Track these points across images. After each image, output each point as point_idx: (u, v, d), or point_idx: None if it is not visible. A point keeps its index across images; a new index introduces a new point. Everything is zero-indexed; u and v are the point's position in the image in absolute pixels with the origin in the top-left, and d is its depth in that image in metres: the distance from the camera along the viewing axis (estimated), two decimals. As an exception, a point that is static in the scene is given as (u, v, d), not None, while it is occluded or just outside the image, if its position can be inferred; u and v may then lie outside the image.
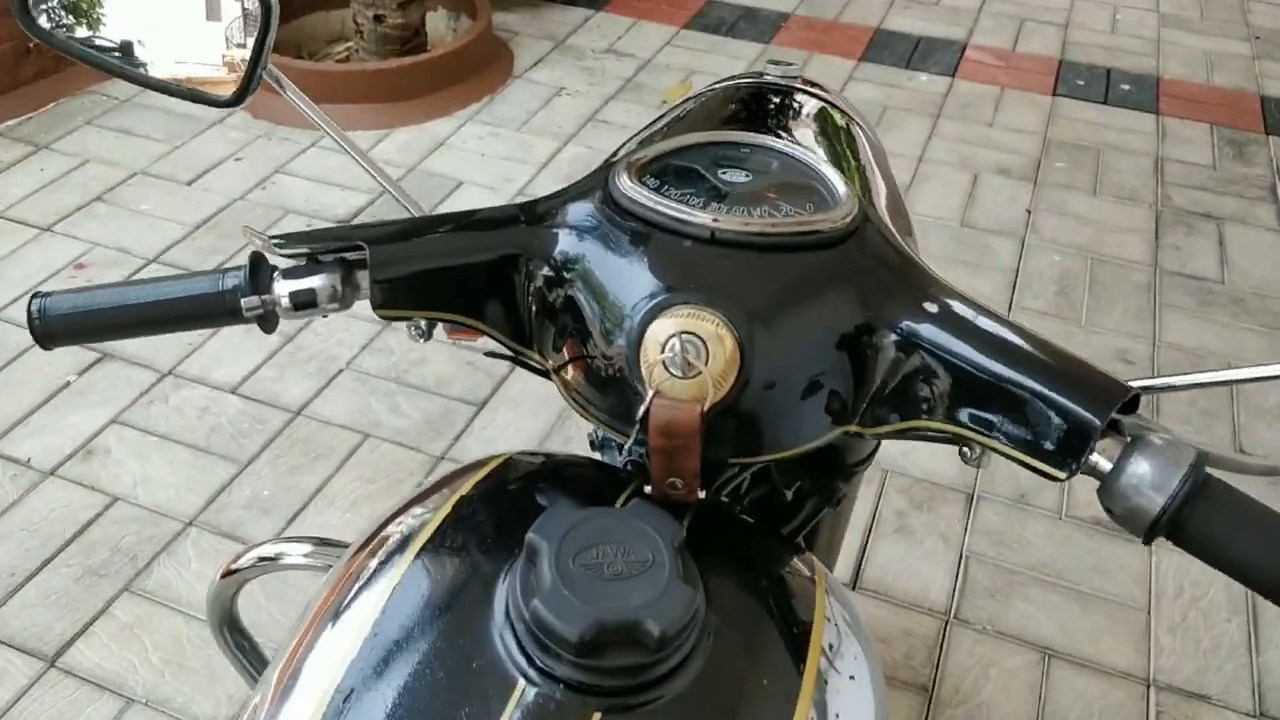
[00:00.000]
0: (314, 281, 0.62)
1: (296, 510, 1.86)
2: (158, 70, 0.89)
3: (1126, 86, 3.47)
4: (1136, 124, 3.27)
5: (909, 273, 0.58)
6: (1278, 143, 3.23)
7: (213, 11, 0.88)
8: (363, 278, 0.62)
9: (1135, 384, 0.55)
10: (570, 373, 0.59)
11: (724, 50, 3.55)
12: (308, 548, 0.81)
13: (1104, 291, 2.55)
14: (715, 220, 0.56)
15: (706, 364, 0.52)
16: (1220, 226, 2.83)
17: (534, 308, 0.61)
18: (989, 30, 3.80)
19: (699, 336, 0.52)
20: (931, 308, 0.56)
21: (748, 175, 0.61)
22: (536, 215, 0.61)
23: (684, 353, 0.52)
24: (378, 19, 3.10)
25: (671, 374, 0.52)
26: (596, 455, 0.83)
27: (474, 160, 2.89)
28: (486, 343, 0.64)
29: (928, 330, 0.55)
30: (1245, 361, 2.35)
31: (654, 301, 0.54)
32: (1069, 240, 2.72)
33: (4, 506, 1.83)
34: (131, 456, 1.94)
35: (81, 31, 0.81)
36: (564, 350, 0.59)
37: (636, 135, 0.75)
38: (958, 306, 0.56)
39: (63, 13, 0.90)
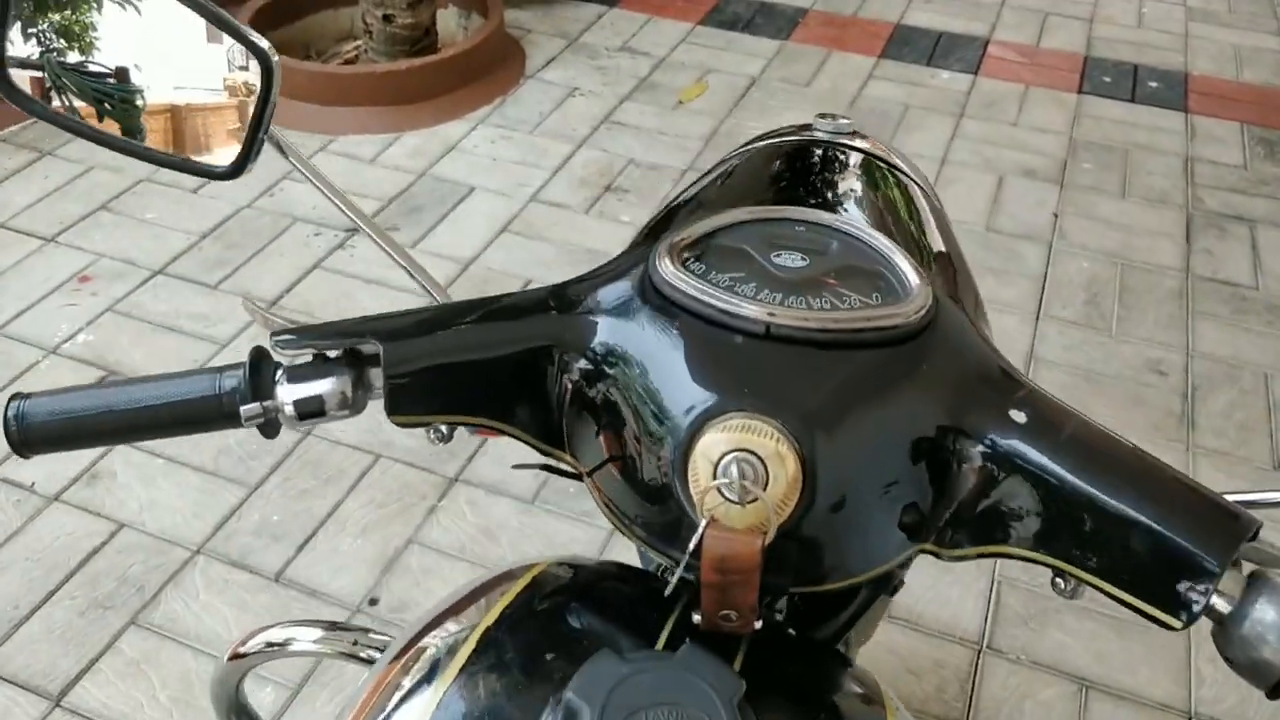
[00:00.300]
0: (322, 386, 0.55)
1: (307, 536, 1.81)
2: (154, 96, 0.84)
3: (1154, 84, 3.39)
4: (1165, 123, 3.18)
5: (992, 373, 0.52)
6: (1310, 141, 3.15)
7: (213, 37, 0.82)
8: (376, 376, 0.56)
9: (1235, 497, 0.48)
10: (605, 482, 0.53)
11: (740, 47, 3.48)
12: (318, 633, 0.75)
13: (1134, 299, 2.48)
14: (770, 314, 0.49)
15: (766, 488, 0.45)
16: (1253, 230, 2.75)
17: (566, 405, 0.54)
18: (1011, 25, 3.71)
19: (757, 455, 0.45)
20: (1019, 417, 0.49)
21: (804, 258, 0.54)
22: (569, 301, 0.55)
23: (740, 476, 0.45)
24: (387, 19, 3.03)
25: (727, 499, 0.46)
26: (631, 548, 0.77)
27: (485, 165, 2.82)
28: (513, 445, 0.57)
29: (1015, 444, 0.48)
30: (1282, 372, 2.29)
31: (703, 408, 0.47)
32: (1098, 245, 2.65)
33: (7, 534, 1.79)
34: (137, 480, 1.89)
35: (71, 97, 0.75)
36: (599, 456, 0.53)
37: (675, 199, 0.68)
38: (1050, 416, 0.49)
39: (54, 37, 0.85)
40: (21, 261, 2.39)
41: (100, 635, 1.64)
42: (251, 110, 0.66)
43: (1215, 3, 3.97)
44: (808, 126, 0.73)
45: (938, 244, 0.64)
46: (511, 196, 2.71)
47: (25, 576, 1.72)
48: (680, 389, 0.49)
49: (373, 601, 1.70)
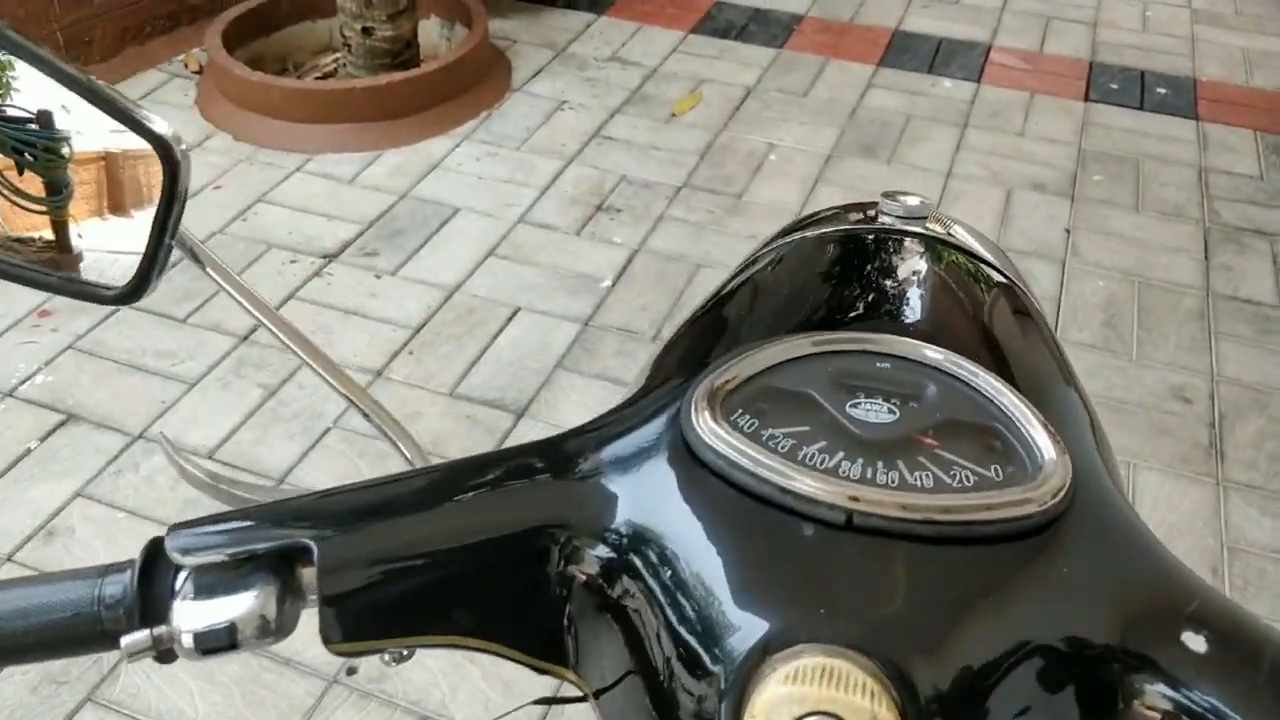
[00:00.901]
0: (234, 607, 0.39)
1: (280, 597, 1.67)
2: (84, 142, 0.70)
3: (1163, 90, 3.27)
4: (1176, 131, 3.07)
5: (1153, 575, 0.38)
6: (1326, 149, 3.04)
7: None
8: (310, 576, 0.40)
9: None
10: (620, 713, 0.39)
11: (734, 56, 3.35)
12: None
13: (1154, 321, 2.36)
14: (852, 498, 0.35)
15: None
16: (1273, 244, 2.63)
17: (570, 606, 0.40)
18: (1013, 30, 3.59)
19: None
20: (1196, 643, 0.35)
21: (890, 409, 0.40)
22: (566, 461, 0.40)
23: None
24: (366, 31, 2.89)
25: None
26: None
27: (471, 184, 2.69)
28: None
29: (1192, 684, 0.34)
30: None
31: (761, 636, 0.34)
32: (1113, 263, 2.53)
33: (-47, 601, 1.65)
34: (97, 536, 1.75)
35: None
36: (613, 676, 0.39)
37: (704, 306, 0.54)
38: (1238, 640, 0.35)
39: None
40: (-23, 295, 2.25)
41: (54, 714, 1.50)
42: (153, 213, 0.52)
43: (1221, 5, 3.86)
44: (870, 205, 0.58)
45: (1049, 369, 0.50)
46: (498, 217, 2.57)
47: (-27, 648, 1.58)
48: (728, 602, 0.35)
49: (350, 672, 1.57)
